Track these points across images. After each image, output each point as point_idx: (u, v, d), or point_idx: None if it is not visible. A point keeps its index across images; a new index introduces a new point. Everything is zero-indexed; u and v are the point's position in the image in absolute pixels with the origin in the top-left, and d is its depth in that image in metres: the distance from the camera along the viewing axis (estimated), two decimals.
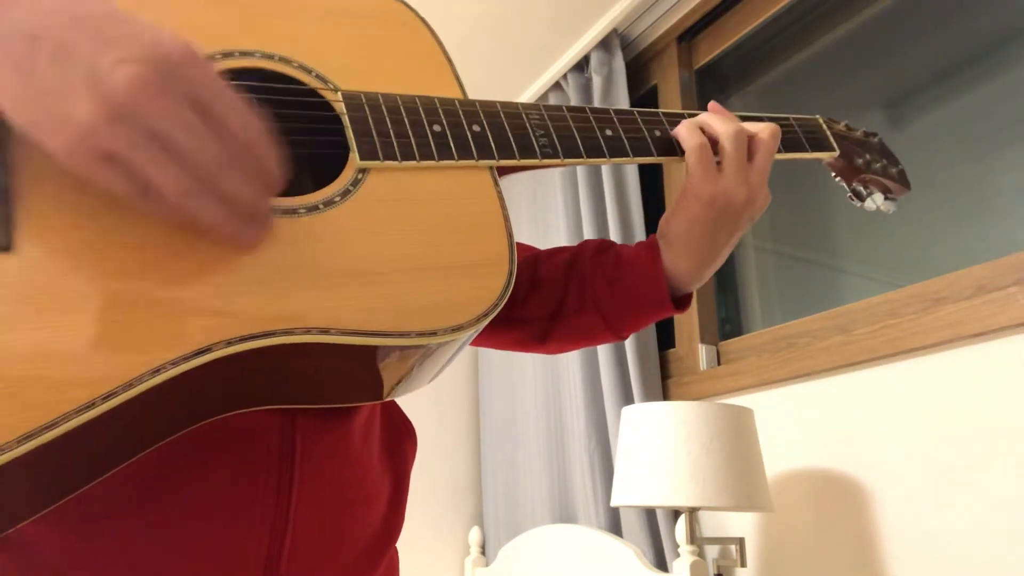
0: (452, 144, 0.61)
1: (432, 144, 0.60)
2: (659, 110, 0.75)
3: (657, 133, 0.73)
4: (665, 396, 1.95)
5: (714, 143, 0.72)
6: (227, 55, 0.58)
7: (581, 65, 2.31)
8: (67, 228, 0.46)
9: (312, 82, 0.60)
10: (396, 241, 0.54)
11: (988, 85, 1.57)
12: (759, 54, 2.10)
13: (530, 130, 0.66)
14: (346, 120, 0.58)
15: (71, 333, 0.44)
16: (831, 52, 1.92)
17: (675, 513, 1.76)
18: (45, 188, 0.47)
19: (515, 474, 2.34)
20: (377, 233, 0.54)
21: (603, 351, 1.98)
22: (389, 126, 0.59)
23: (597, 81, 2.19)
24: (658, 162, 0.72)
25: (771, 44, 2.07)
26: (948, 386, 1.39)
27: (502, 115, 0.66)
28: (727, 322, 2.04)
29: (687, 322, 1.98)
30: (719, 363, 1.92)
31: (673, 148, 0.73)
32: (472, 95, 0.67)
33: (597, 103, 2.17)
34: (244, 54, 0.58)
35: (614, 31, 2.21)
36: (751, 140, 0.73)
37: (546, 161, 0.66)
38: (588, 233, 2.11)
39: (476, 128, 0.63)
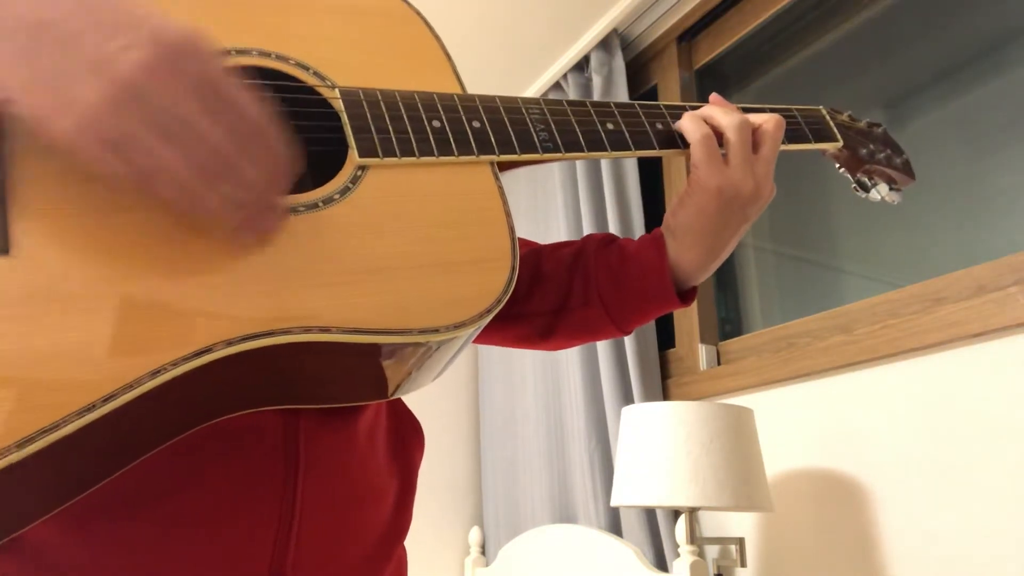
0: (452, 140, 0.60)
1: (432, 140, 0.60)
2: (660, 103, 0.74)
3: (659, 126, 0.72)
4: (665, 396, 1.95)
5: (718, 135, 0.71)
6: (224, 53, 0.57)
7: (581, 65, 2.31)
8: (65, 229, 0.46)
9: (310, 79, 0.59)
10: (396, 238, 0.54)
11: (988, 85, 1.57)
12: (759, 54, 2.10)
13: (531, 125, 0.66)
14: (344, 117, 0.58)
15: (70, 336, 0.43)
16: (831, 52, 1.92)
17: (675, 513, 1.76)
18: (42, 189, 0.46)
19: (515, 474, 2.33)
20: (377, 230, 0.54)
21: (603, 351, 1.98)
22: (388, 123, 0.59)
23: (597, 81, 2.19)
24: (660, 155, 0.72)
25: (771, 44, 2.07)
26: (948, 386, 1.38)
27: (502, 110, 0.65)
28: (727, 322, 2.04)
29: (687, 322, 1.98)
30: (719, 363, 1.92)
31: (675, 141, 0.72)
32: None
33: None
34: (241, 52, 0.58)
35: (614, 31, 2.21)
36: (756, 131, 0.72)
37: (547, 156, 0.65)
38: (588, 232, 2.11)
39: (476, 124, 0.63)
